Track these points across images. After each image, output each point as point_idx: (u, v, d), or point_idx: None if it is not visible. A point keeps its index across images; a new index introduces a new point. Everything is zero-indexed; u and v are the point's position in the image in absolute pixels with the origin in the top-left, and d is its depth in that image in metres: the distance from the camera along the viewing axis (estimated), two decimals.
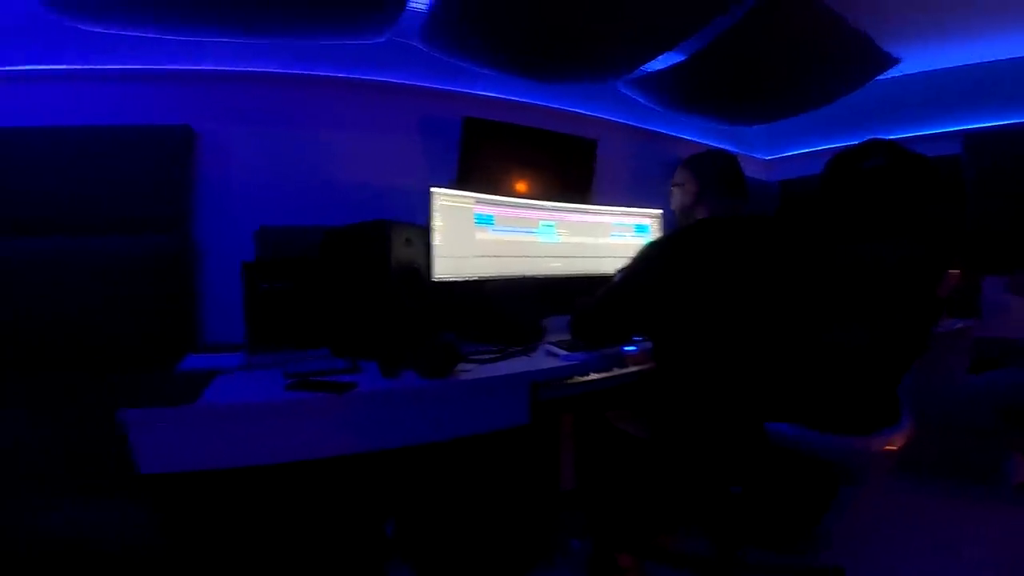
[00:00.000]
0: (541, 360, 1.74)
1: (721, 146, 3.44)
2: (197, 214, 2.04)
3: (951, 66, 2.96)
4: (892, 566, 1.79)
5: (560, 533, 1.90)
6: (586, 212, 2.27)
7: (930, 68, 3.00)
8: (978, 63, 2.90)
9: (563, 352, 1.75)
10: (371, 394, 1.37)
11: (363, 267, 1.64)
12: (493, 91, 2.59)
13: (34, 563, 1.21)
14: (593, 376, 1.69)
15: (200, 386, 1.39)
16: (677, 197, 1.60)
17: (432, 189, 1.79)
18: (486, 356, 1.66)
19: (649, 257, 1.42)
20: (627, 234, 2.36)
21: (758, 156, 3.78)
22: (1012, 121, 2.85)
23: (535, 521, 1.83)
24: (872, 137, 1.32)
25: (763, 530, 1.47)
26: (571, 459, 1.97)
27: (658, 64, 2.46)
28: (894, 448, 1.31)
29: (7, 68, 1.92)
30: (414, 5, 1.96)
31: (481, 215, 1.91)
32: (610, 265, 2.25)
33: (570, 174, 2.69)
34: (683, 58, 2.42)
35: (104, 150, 1.91)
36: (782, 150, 3.73)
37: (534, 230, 2.08)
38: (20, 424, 1.58)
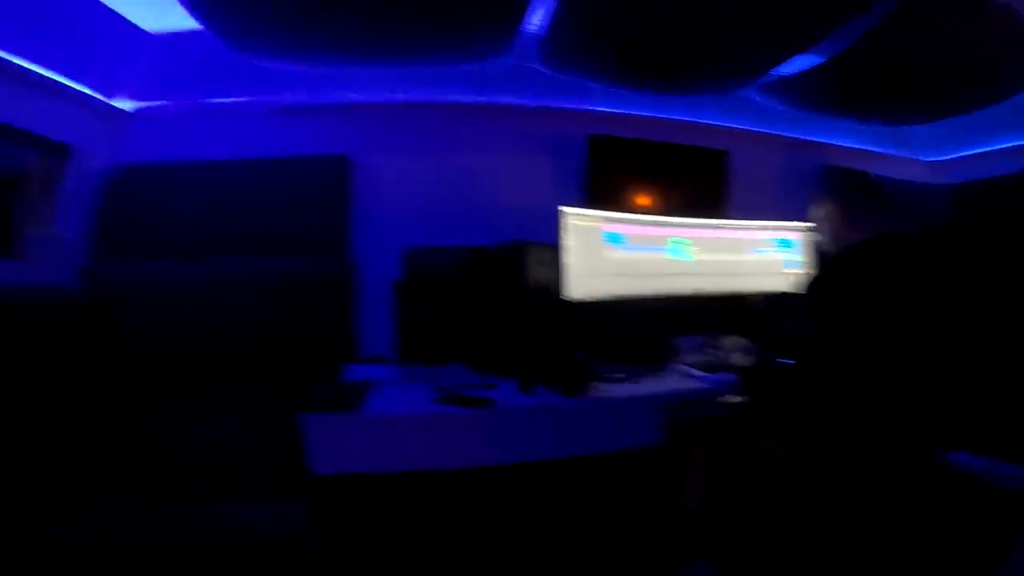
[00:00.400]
0: (675, 380, 1.71)
1: (879, 149, 3.12)
2: (356, 237, 2.27)
3: None
4: None
5: (685, 556, 1.83)
6: (721, 228, 2.19)
7: None
8: None
9: (700, 373, 1.70)
10: (510, 409, 1.44)
11: (500, 286, 1.73)
12: (615, 107, 2.58)
13: (207, 556, 1.38)
14: (731, 398, 1.63)
15: (361, 396, 1.55)
16: (824, 226, 1.54)
17: (561, 208, 1.84)
18: (618, 376, 1.67)
19: (812, 290, 1.37)
20: (769, 249, 2.23)
21: (922, 158, 3.36)
22: None
23: (658, 542, 1.78)
24: None
25: (923, 572, 1.31)
26: (700, 481, 1.90)
27: (791, 68, 2.31)
28: None
29: (190, 103, 2.27)
30: (532, 27, 2.02)
31: (610, 234, 1.93)
32: (751, 284, 2.19)
33: (700, 188, 2.60)
34: (821, 60, 2.24)
35: (273, 180, 2.19)
36: (952, 151, 3.28)
37: (663, 248, 2.04)
38: (213, 426, 1.84)
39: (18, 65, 1.71)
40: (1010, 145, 2.84)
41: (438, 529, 1.56)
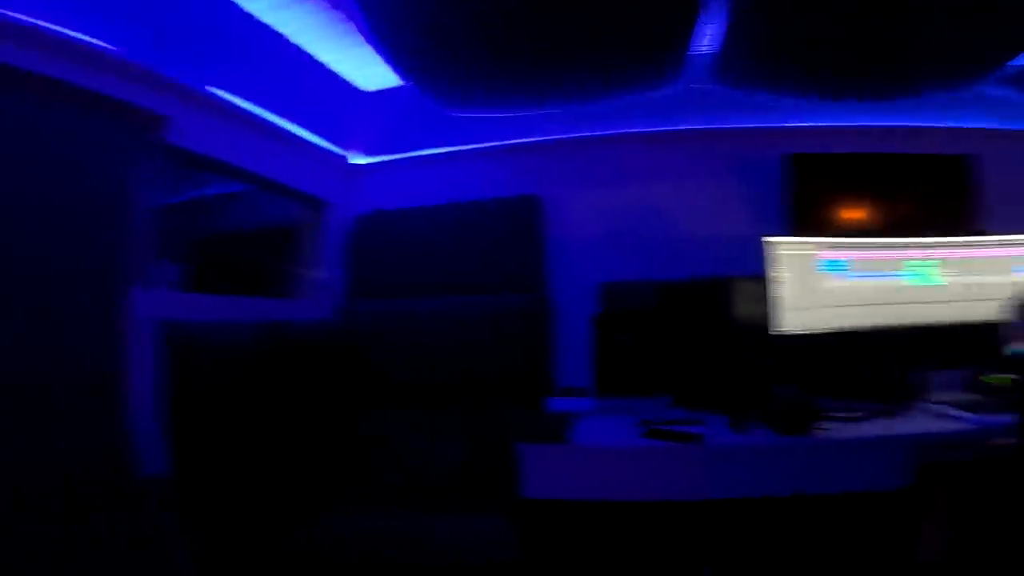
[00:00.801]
0: (926, 421, 1.48)
1: None
2: (550, 273, 2.39)
3: None
4: None
5: None
6: (970, 245, 1.85)
7: None
8: None
9: (957, 412, 1.45)
10: (721, 447, 1.38)
11: (703, 320, 1.67)
12: (811, 120, 2.35)
13: (416, 567, 1.53)
14: (1002, 440, 1.35)
15: (566, 427, 1.61)
16: None
17: (769, 239, 1.73)
18: (853, 415, 1.49)
19: None
20: None
21: None
22: None
23: None
24: None
25: None
26: (943, 529, 1.57)
27: None
28: None
29: (404, 155, 2.60)
30: (702, 48, 1.95)
31: (829, 261, 1.75)
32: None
33: (937, 201, 2.23)
34: None
35: (471, 221, 2.42)
36: None
37: (898, 272, 1.79)
38: (432, 446, 2.06)
39: (287, 129, 2.16)
40: None
41: (638, 556, 1.53)
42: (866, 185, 2.24)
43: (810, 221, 2.14)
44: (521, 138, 2.52)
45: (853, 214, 2.22)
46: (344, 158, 2.56)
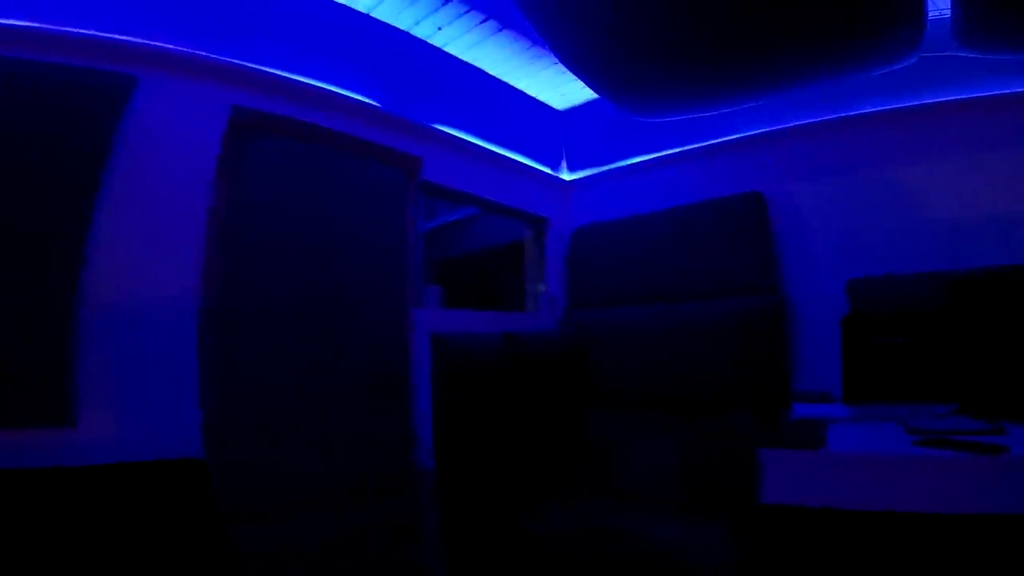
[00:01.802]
0: None
1: None
2: (782, 271, 2.24)
3: None
4: None
5: None
6: None
7: None
8: None
9: None
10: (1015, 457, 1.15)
11: (995, 316, 1.41)
12: None
13: (632, 568, 1.52)
14: None
15: (820, 433, 1.49)
16: None
17: None
18: None
19: None
20: None
21: None
22: None
23: None
24: None
25: None
26: None
27: None
28: None
29: (611, 167, 2.66)
30: (936, 14, 1.63)
31: None
32: None
33: None
34: None
35: (690, 225, 2.38)
36: None
37: None
38: (652, 450, 2.07)
39: (504, 155, 2.43)
40: None
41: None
42: None
43: None
44: (738, 133, 2.42)
45: None
46: (556, 176, 2.76)
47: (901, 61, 1.88)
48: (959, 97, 2.02)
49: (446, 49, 2.23)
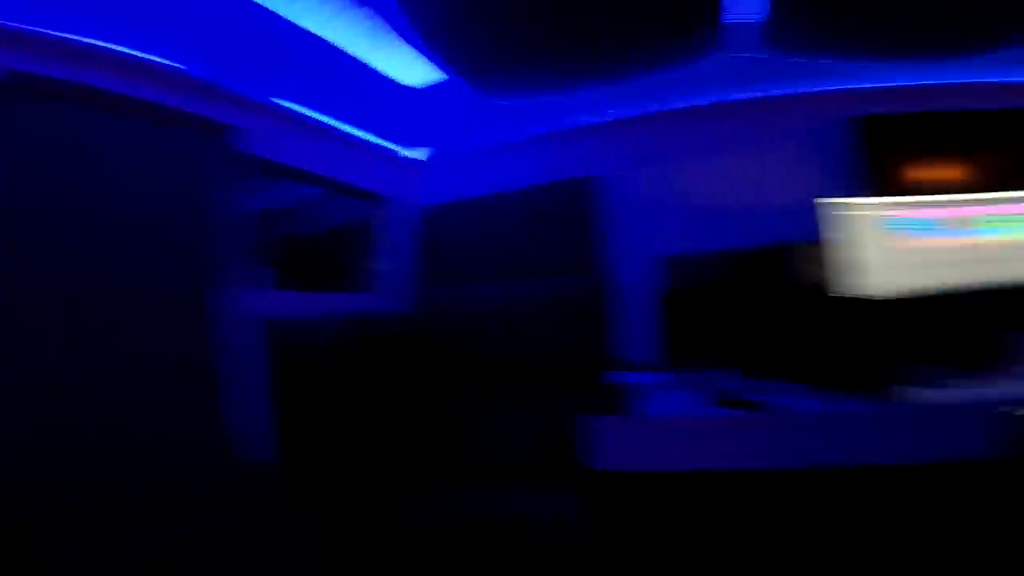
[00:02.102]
0: (1015, 385, 1.44)
1: None
2: (609, 252, 2.42)
3: None
4: None
5: None
6: None
7: None
8: None
9: None
10: (796, 414, 1.39)
11: (771, 288, 1.68)
12: (876, 81, 2.23)
13: (488, 541, 1.61)
14: None
15: (635, 398, 1.67)
16: None
17: (832, 200, 1.70)
18: (937, 379, 1.47)
19: None
20: None
21: None
22: None
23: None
24: None
25: None
26: None
27: None
28: None
29: (459, 148, 2.66)
30: (745, 17, 1.91)
31: (900, 220, 1.70)
32: None
33: (1014, 155, 2.10)
34: None
35: (529, 208, 2.49)
36: None
37: (975, 229, 1.72)
38: (505, 425, 2.16)
39: (344, 130, 2.30)
40: None
41: (707, 528, 1.56)
42: (939, 144, 2.13)
43: (885, 182, 2.07)
44: (573, 123, 2.56)
45: (931, 173, 2.12)
46: (399, 154, 2.68)
47: (702, 59, 2.11)
48: (758, 95, 2.37)
49: (302, 24, 2.00)
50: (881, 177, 2.10)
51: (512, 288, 2.43)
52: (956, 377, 1.48)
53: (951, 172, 2.12)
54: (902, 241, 1.70)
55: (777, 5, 1.79)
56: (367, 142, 2.45)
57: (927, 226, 1.71)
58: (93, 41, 1.53)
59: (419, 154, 2.76)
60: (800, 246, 1.73)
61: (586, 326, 2.28)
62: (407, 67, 2.47)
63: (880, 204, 1.72)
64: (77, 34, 1.49)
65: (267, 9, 1.92)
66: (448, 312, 2.42)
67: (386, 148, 2.56)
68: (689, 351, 1.95)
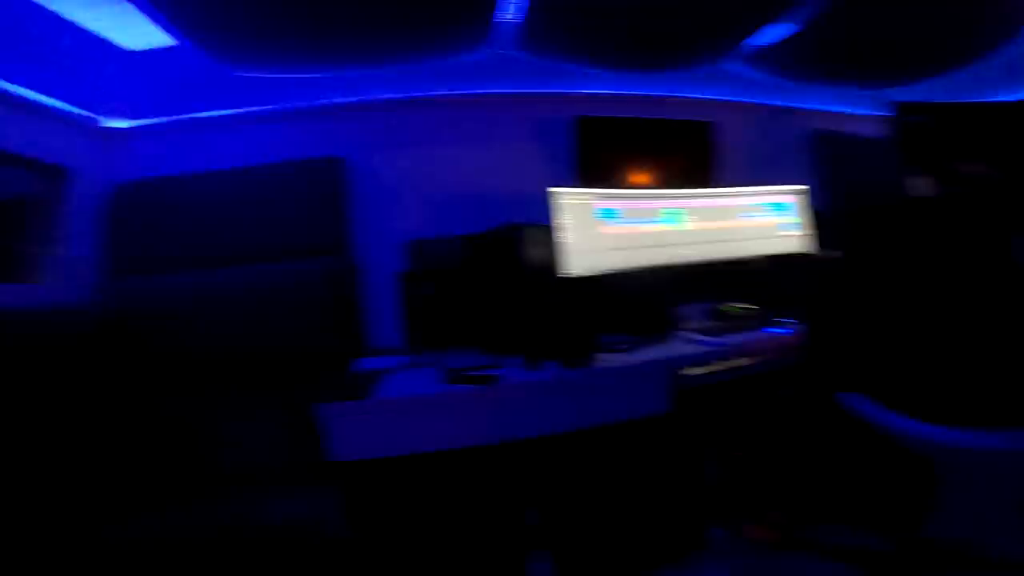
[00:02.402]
0: (679, 347, 1.76)
1: (861, 111, 3.14)
2: (355, 235, 2.32)
3: None
4: None
5: (709, 525, 1.86)
6: (711, 196, 2.22)
7: None
8: None
9: (703, 338, 1.75)
10: (515, 385, 1.49)
11: (500, 269, 1.77)
12: (599, 88, 2.62)
13: (252, 550, 1.44)
14: (737, 362, 1.67)
15: (372, 383, 1.61)
16: None
17: (553, 189, 1.88)
18: (622, 346, 1.72)
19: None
20: (762, 213, 2.27)
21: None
22: None
23: (680, 512, 1.81)
24: None
25: None
26: (714, 448, 1.91)
27: (769, 37, 2.33)
28: None
29: (180, 117, 2.32)
30: (508, 17, 2.06)
31: (604, 209, 1.96)
32: (749, 248, 2.22)
33: (689, 160, 2.64)
34: (798, 28, 2.26)
35: (268, 186, 2.24)
36: None
37: (657, 219, 2.08)
38: (239, 428, 1.90)
39: (8, 90, 1.76)
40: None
41: (453, 508, 1.60)
42: (635, 145, 2.55)
43: (591, 175, 2.38)
44: (322, 100, 2.39)
45: (625, 169, 2.52)
46: (94, 121, 2.14)
47: (470, 53, 2.18)
48: (506, 91, 2.52)
49: None
50: (593, 170, 2.42)
51: (241, 273, 2.13)
52: (637, 343, 1.76)
53: (644, 169, 2.56)
54: (604, 227, 1.96)
55: (532, 10, 1.92)
56: (41, 104, 1.89)
57: (619, 215, 2.00)
58: None
59: (122, 123, 2.25)
60: (527, 229, 1.85)
61: (326, 312, 2.12)
62: (128, 29, 2.01)
63: (588, 194, 1.95)
64: None
65: None
66: (151, 303, 2.02)
67: (67, 112, 2.00)
68: (430, 333, 1.96)
